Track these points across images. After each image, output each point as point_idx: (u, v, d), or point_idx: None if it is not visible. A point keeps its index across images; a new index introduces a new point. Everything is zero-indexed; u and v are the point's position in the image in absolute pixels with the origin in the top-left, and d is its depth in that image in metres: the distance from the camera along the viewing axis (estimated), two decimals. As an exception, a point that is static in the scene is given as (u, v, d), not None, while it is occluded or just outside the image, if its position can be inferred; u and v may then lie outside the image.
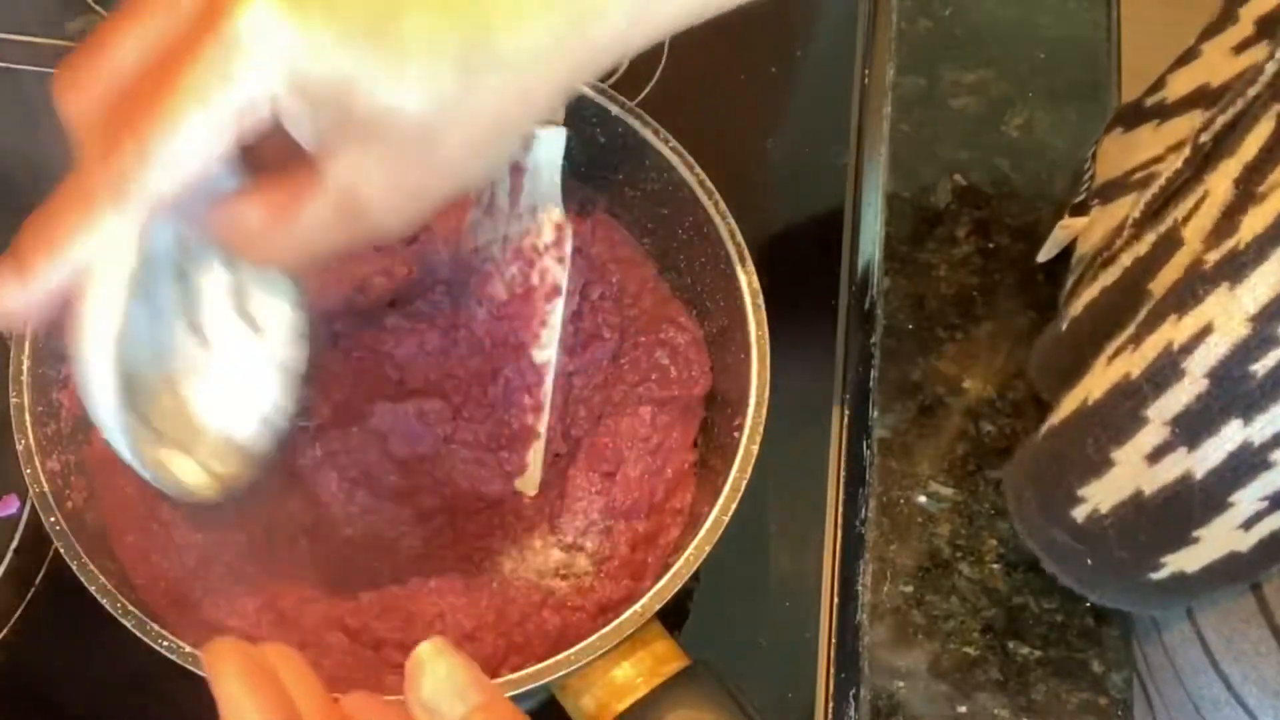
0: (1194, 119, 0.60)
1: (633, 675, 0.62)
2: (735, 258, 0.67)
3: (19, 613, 0.70)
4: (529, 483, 0.70)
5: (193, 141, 0.44)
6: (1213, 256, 0.49)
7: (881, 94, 0.83)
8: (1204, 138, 0.55)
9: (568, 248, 0.68)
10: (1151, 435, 0.53)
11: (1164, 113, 0.64)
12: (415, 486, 0.70)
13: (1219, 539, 0.54)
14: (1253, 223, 0.48)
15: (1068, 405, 0.58)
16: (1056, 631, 0.68)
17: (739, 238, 0.67)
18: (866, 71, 0.85)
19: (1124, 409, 0.54)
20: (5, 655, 0.70)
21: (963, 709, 0.67)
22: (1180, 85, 0.64)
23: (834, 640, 0.70)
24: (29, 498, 0.63)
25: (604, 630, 0.60)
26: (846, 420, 0.75)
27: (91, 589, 0.59)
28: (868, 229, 0.79)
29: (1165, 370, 0.51)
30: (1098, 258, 0.62)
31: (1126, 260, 0.58)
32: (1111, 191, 0.66)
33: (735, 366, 0.67)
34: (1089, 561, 0.60)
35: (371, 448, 0.71)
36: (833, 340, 0.77)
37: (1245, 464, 0.51)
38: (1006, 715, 0.67)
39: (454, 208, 0.73)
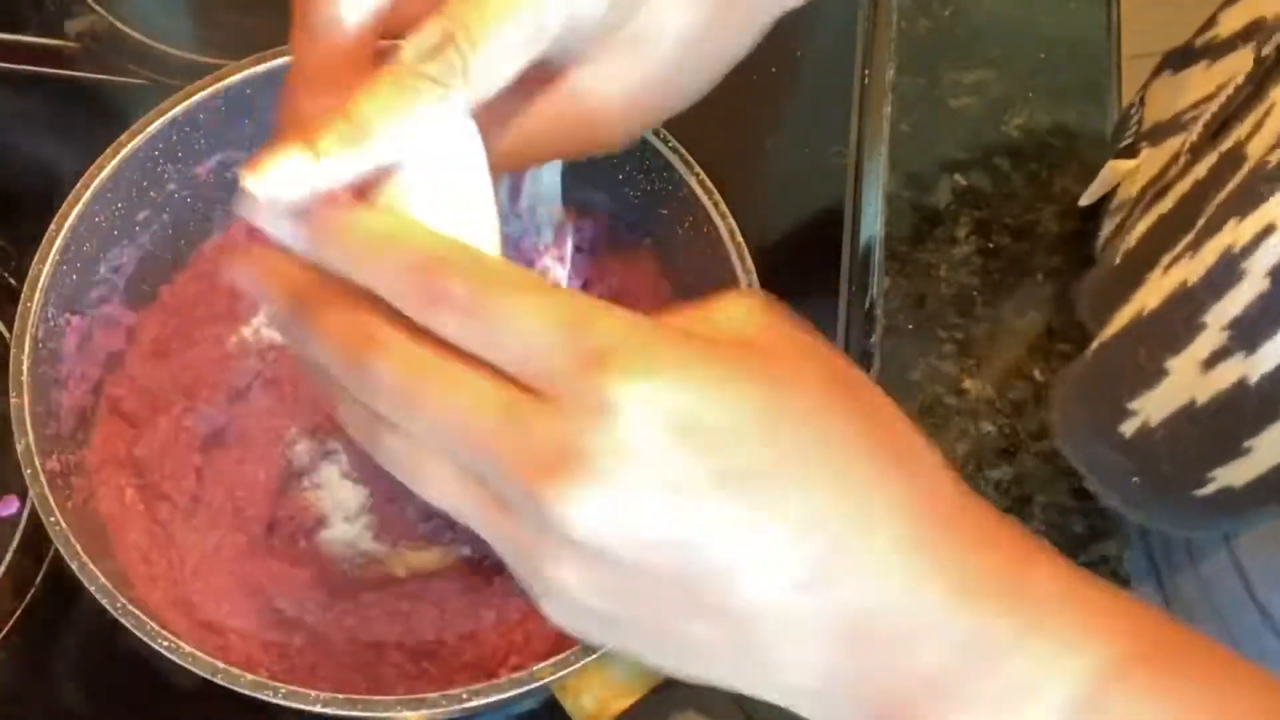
0: (1247, 55, 0.59)
1: (633, 675, 0.62)
2: (735, 258, 0.67)
3: (19, 613, 0.70)
4: None
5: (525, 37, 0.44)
6: (1276, 156, 0.48)
7: (881, 94, 0.83)
8: (1266, 50, 0.54)
9: (568, 247, 0.68)
10: (1208, 341, 0.52)
11: (1215, 51, 0.63)
12: (415, 487, 0.70)
13: (1270, 449, 0.53)
14: None
15: (1120, 319, 0.57)
16: (1056, 631, 0.68)
17: (739, 238, 0.67)
18: (866, 71, 0.85)
19: (1180, 316, 0.53)
20: (5, 655, 0.70)
21: (963, 709, 0.67)
22: (1233, 20, 0.63)
23: (834, 640, 0.70)
24: (29, 498, 0.63)
25: (604, 630, 0.60)
26: (846, 420, 0.75)
27: (91, 589, 0.59)
28: (868, 229, 0.79)
29: (1224, 273, 0.50)
30: (1147, 192, 0.60)
31: (1184, 186, 0.57)
32: (1161, 134, 0.64)
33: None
34: (1135, 479, 0.59)
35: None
36: (833, 340, 0.77)
37: None
38: (1006, 715, 0.67)
39: None
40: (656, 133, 0.69)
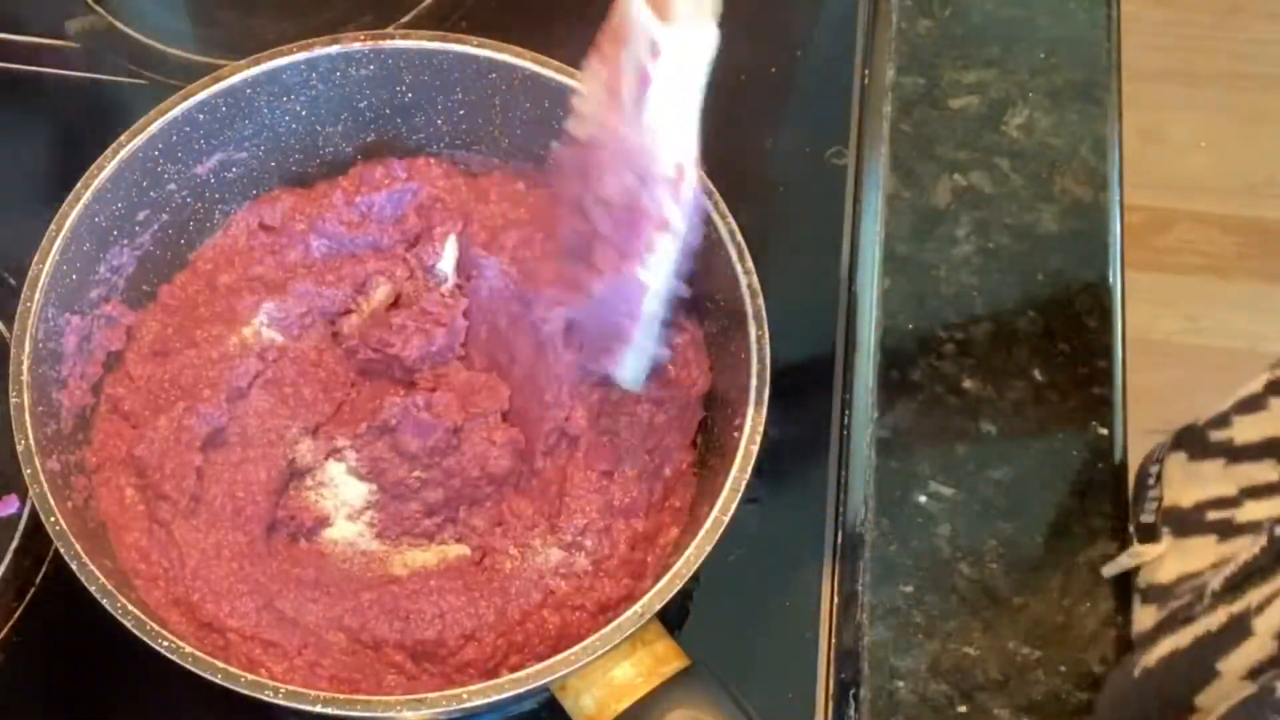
0: (1267, 469, 0.64)
1: (633, 675, 0.62)
2: (735, 258, 0.67)
3: (19, 613, 0.70)
4: (632, 380, 0.67)
5: None
6: None
7: (881, 94, 0.83)
8: (1279, 532, 0.58)
9: (685, 189, 0.60)
10: None
11: (1233, 454, 0.66)
12: (424, 480, 0.70)
13: None
14: None
15: None
16: (1056, 631, 0.68)
17: (739, 238, 0.67)
18: (866, 71, 0.85)
19: None
20: (5, 655, 0.70)
21: (963, 709, 0.67)
22: (1249, 431, 0.66)
23: (834, 640, 0.70)
24: (29, 498, 0.63)
25: (604, 630, 0.60)
26: (846, 421, 0.75)
27: (91, 589, 0.59)
28: (868, 229, 0.79)
29: None
30: (1179, 614, 0.63)
31: (1199, 630, 0.60)
32: (1184, 525, 0.67)
33: (735, 366, 0.67)
34: None
35: (380, 442, 0.71)
36: (833, 341, 0.77)
37: None
38: (1006, 715, 0.67)
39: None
40: (656, 133, 0.69)
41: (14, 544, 0.70)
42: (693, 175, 0.59)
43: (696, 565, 0.61)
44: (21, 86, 0.85)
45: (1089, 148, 0.81)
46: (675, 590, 0.61)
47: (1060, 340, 0.76)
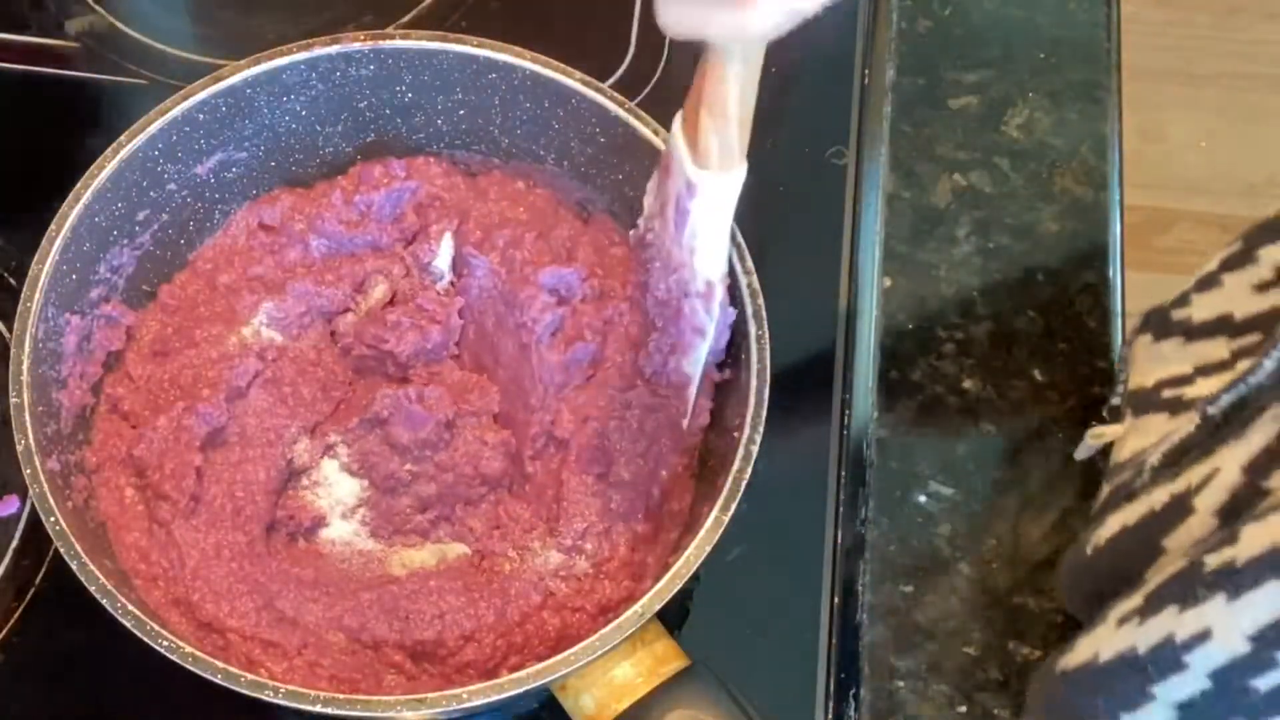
0: (1219, 346, 0.64)
1: (633, 675, 0.62)
2: (735, 258, 0.67)
3: (19, 613, 0.70)
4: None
5: None
6: (1212, 560, 0.51)
7: (881, 94, 0.83)
8: (1212, 411, 0.58)
9: (715, 305, 0.65)
10: (1159, 714, 0.54)
11: (1190, 332, 0.67)
12: (415, 474, 0.70)
13: None
14: (1250, 541, 0.50)
15: (1081, 651, 0.59)
16: (1056, 631, 0.68)
17: (739, 238, 0.67)
18: (866, 71, 0.85)
19: (1132, 682, 0.55)
20: (5, 655, 0.70)
21: (963, 709, 0.67)
22: (1204, 309, 0.67)
23: (834, 640, 0.70)
24: (29, 498, 0.63)
25: (604, 630, 0.60)
26: (846, 420, 0.75)
27: (91, 589, 0.59)
28: (868, 229, 0.79)
29: (1168, 658, 0.53)
30: (1121, 489, 0.64)
31: (1142, 507, 0.60)
32: (1143, 404, 0.68)
33: (735, 367, 0.67)
34: None
35: (371, 436, 0.71)
36: (833, 341, 0.78)
37: None
38: (1006, 715, 0.67)
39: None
40: (656, 133, 0.69)
41: (14, 544, 0.70)
42: (720, 292, 0.65)
43: (696, 565, 0.61)
44: (21, 86, 0.85)
45: (1089, 147, 0.81)
46: (675, 590, 0.61)
47: (1060, 340, 0.76)
